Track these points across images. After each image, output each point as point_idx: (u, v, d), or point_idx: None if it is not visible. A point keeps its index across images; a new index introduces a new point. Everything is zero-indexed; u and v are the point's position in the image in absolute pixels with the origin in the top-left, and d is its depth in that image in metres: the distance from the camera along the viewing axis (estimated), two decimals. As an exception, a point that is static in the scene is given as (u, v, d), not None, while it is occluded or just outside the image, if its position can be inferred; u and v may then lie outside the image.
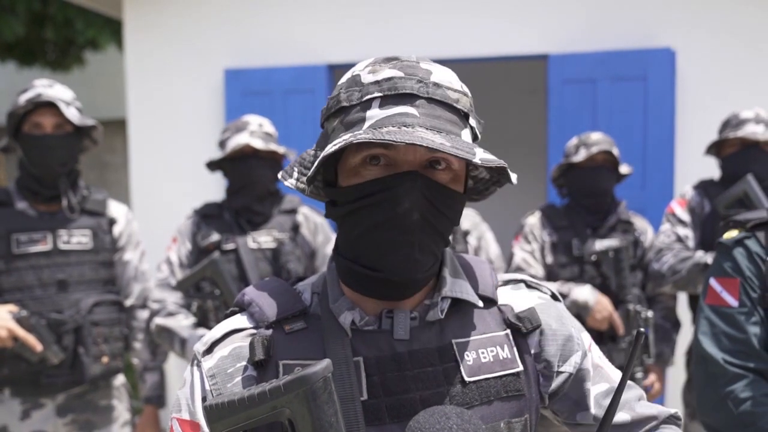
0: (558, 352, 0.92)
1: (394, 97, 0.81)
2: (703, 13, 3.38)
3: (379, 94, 0.82)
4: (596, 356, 0.96)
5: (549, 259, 2.57)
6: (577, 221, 2.57)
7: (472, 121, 0.86)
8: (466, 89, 0.87)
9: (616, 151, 2.55)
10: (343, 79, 0.88)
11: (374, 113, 0.81)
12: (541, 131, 4.59)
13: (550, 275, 2.58)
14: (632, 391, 0.97)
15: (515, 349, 0.90)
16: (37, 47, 7.44)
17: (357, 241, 0.84)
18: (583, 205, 2.58)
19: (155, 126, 3.91)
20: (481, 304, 0.91)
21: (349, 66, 3.80)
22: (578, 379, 0.93)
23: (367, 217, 0.82)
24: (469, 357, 0.87)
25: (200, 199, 2.98)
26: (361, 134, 0.78)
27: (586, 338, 0.96)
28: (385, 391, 0.83)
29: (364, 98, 0.83)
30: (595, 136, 2.57)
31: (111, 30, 6.85)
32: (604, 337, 2.48)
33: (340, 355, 0.83)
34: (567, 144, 2.66)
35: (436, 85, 0.83)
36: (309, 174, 0.84)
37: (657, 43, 3.40)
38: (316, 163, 0.82)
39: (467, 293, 0.90)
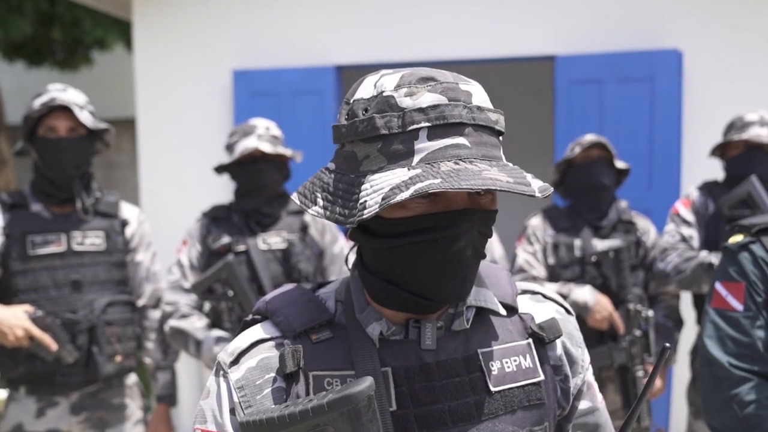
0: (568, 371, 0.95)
1: (442, 127, 0.78)
2: (710, 14, 3.39)
3: (427, 124, 0.77)
4: (590, 374, 0.98)
5: (551, 260, 2.60)
6: (578, 222, 2.61)
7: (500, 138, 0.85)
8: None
9: (610, 147, 2.59)
10: (365, 95, 0.82)
11: (423, 145, 0.77)
12: (548, 132, 4.60)
13: (552, 276, 2.60)
14: (606, 415, 1.01)
15: (536, 358, 0.90)
16: (45, 47, 7.48)
17: (403, 271, 0.82)
18: (583, 203, 2.61)
19: (164, 127, 3.94)
20: (504, 312, 0.91)
21: (357, 67, 3.76)
22: (574, 397, 0.96)
23: (418, 253, 0.80)
24: (494, 367, 0.87)
25: (208, 199, 3.01)
26: (429, 181, 0.74)
27: (587, 357, 0.98)
28: (413, 402, 0.83)
29: (409, 128, 0.78)
30: (589, 136, 2.64)
31: (118, 30, 6.89)
32: (604, 337, 2.51)
33: (369, 366, 0.83)
34: (565, 151, 2.70)
35: (479, 108, 0.80)
36: (366, 217, 0.76)
37: (664, 45, 3.41)
38: (376, 207, 0.75)
39: (491, 302, 0.90)
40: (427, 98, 0.79)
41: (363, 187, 0.78)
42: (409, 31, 3.67)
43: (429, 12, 3.66)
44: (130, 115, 6.48)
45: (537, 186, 0.78)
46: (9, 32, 6.64)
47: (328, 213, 0.81)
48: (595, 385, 1.00)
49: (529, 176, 0.79)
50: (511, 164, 0.81)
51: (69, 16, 6.78)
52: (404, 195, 0.74)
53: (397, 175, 0.77)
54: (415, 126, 0.78)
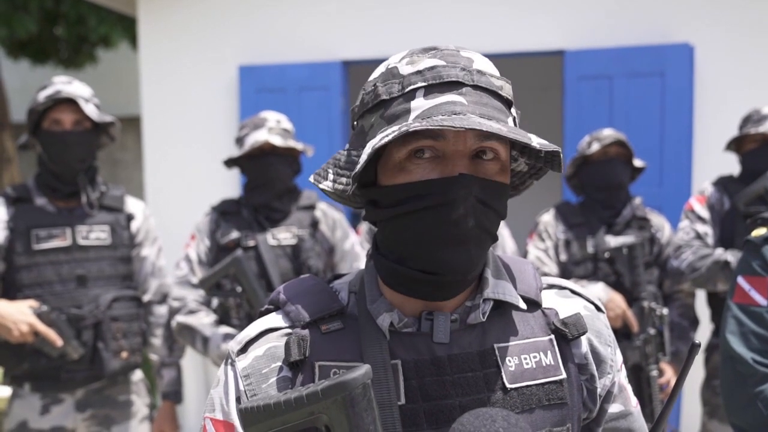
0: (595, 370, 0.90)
1: (438, 86, 0.78)
2: (721, 8, 3.35)
3: (423, 84, 0.78)
4: (623, 376, 0.94)
5: (563, 256, 2.55)
6: (591, 218, 2.56)
7: (514, 110, 0.83)
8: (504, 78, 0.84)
9: (629, 145, 2.54)
10: (376, 74, 0.84)
11: (419, 103, 0.77)
12: (557, 128, 4.56)
13: (564, 273, 2.56)
14: (642, 421, 0.96)
15: (559, 355, 0.86)
16: (49, 45, 7.48)
17: (407, 243, 0.80)
18: (598, 199, 2.56)
19: (170, 123, 3.91)
20: (524, 306, 0.87)
21: (363, 62, 3.75)
22: (602, 399, 0.92)
23: (418, 221, 0.78)
24: (511, 362, 0.84)
25: (214, 195, 2.98)
26: (414, 124, 0.73)
27: (619, 358, 0.93)
28: (423, 396, 0.81)
29: (407, 89, 0.79)
30: (607, 131, 2.57)
31: (123, 27, 6.88)
32: (618, 335, 2.46)
33: (378, 358, 0.80)
34: (579, 142, 2.65)
35: (480, 72, 0.80)
36: (357, 170, 0.78)
37: (675, 39, 3.37)
38: (365, 156, 0.76)
39: (510, 295, 0.86)
40: (425, 63, 0.80)
41: (363, 151, 0.80)
42: (416, 26, 3.64)
43: (436, 7, 3.63)
44: (135, 112, 6.46)
45: (538, 141, 0.77)
46: (14, 30, 6.64)
47: (335, 185, 0.82)
48: (629, 388, 0.96)
49: (532, 135, 0.78)
50: (518, 128, 0.80)
51: (74, 13, 6.78)
52: (387, 138, 0.74)
53: (393, 129, 0.77)
54: (412, 86, 0.79)
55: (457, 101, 0.77)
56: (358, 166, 0.77)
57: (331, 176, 0.83)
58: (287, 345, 0.82)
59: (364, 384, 0.70)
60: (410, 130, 0.72)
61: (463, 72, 0.79)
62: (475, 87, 0.79)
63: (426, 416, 0.80)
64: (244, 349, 0.86)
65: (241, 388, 0.84)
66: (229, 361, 0.87)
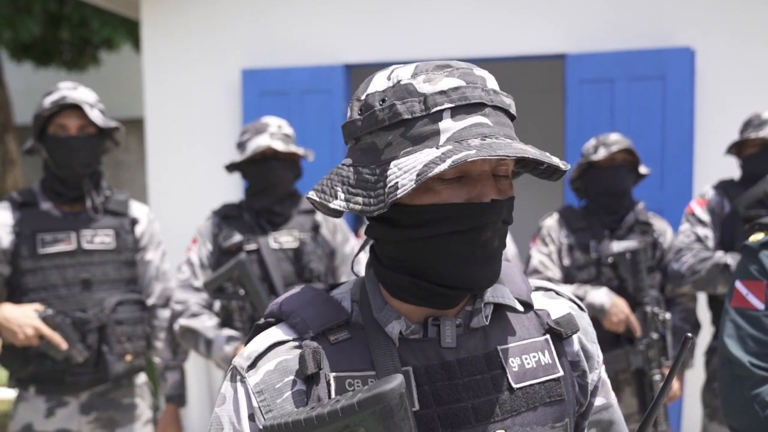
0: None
1: (465, 107, 0.80)
2: (722, 11, 3.36)
3: (450, 105, 0.79)
4: (603, 370, 0.99)
5: (566, 261, 2.56)
6: (594, 223, 2.57)
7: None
8: None
9: (636, 152, 2.54)
10: (379, 87, 0.82)
11: (448, 125, 0.79)
12: (558, 131, 4.57)
13: (567, 277, 2.57)
14: (620, 413, 1.01)
15: (555, 354, 0.90)
16: (53, 47, 7.51)
17: (430, 261, 0.82)
18: (602, 204, 2.57)
19: (172, 126, 3.93)
20: (521, 308, 0.91)
21: (366, 66, 3.74)
22: (590, 393, 0.96)
23: (446, 243, 0.80)
24: (514, 363, 0.87)
25: (217, 198, 3.00)
26: (469, 153, 0.74)
27: (600, 353, 0.98)
28: (436, 401, 0.82)
29: (432, 110, 0.79)
30: (614, 136, 2.57)
31: (126, 29, 6.91)
32: (621, 340, 2.47)
33: (390, 366, 0.82)
34: (585, 145, 2.65)
35: (495, 92, 0.82)
36: (400, 194, 0.76)
37: (676, 43, 3.38)
38: (412, 184, 0.75)
39: (508, 298, 0.90)
40: (446, 82, 0.80)
41: (389, 172, 0.79)
42: (419, 30, 3.66)
43: (438, 11, 3.65)
44: (137, 114, 6.49)
45: (558, 160, 0.81)
46: (17, 33, 6.67)
47: (351, 205, 0.81)
48: (608, 381, 1.01)
49: (555, 158, 0.82)
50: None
51: (77, 16, 6.81)
52: (443, 166, 0.74)
53: (426, 154, 0.78)
54: (438, 108, 0.79)
55: (483, 123, 0.80)
56: (400, 193, 0.76)
57: (341, 195, 0.82)
58: (302, 358, 0.82)
59: (401, 394, 0.71)
60: (468, 159, 0.73)
61: (484, 92, 0.81)
62: (494, 107, 0.81)
63: (441, 420, 0.82)
64: (253, 365, 0.85)
65: (255, 404, 0.82)
66: (238, 377, 0.85)
